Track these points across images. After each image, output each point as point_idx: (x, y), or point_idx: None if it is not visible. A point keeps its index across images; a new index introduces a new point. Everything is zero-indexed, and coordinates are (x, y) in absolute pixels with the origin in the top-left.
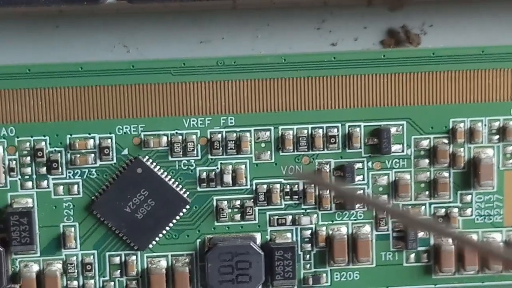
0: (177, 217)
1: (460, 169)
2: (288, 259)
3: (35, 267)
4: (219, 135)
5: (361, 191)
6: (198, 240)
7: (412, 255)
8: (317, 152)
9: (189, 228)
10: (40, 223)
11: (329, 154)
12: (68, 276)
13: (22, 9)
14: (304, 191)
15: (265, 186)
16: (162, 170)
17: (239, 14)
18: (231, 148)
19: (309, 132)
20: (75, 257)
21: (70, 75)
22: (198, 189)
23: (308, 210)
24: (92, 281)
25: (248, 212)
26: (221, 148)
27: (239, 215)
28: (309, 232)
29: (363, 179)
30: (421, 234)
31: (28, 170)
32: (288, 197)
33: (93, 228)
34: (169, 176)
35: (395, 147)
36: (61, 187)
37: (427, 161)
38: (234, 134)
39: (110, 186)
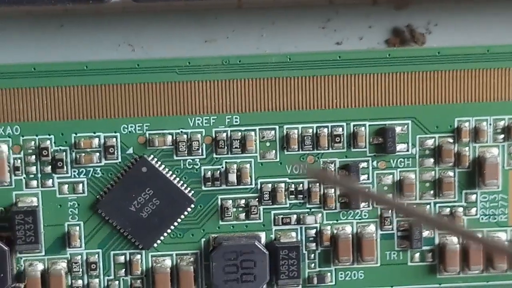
0: (182, 216)
1: (465, 168)
2: (292, 258)
3: (40, 266)
4: (224, 134)
5: (368, 189)
6: (203, 239)
7: (417, 255)
8: (322, 151)
9: (193, 227)
10: (45, 222)
11: (334, 153)
12: (73, 275)
13: (26, 8)
14: (309, 190)
15: (270, 185)
16: (167, 169)
17: (244, 13)
18: (236, 147)
19: (314, 131)
20: (79, 256)
21: (75, 74)
22: (203, 188)
23: (312, 209)
24: (96, 280)
25: (253, 211)
26: (226, 147)
27: (244, 214)
28: (313, 231)
29: (368, 179)
30: (426, 234)
31: (33, 169)
32: (293, 196)
33: (98, 227)
34: (174, 175)
35: (400, 146)
36: (66, 186)
37: (432, 160)
38: (239, 133)
39: (115, 185)
